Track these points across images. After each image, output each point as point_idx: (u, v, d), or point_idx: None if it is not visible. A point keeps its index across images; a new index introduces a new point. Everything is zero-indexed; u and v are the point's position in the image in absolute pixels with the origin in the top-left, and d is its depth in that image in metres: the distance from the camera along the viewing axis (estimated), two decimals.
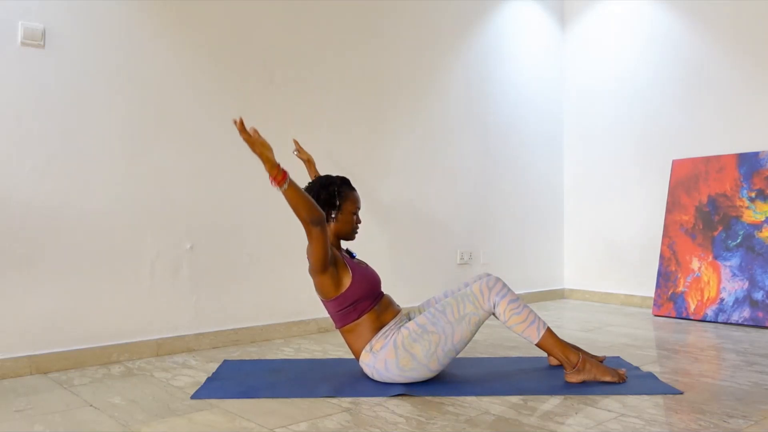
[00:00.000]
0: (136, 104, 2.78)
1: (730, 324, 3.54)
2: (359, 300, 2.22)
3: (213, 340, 2.96)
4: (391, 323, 2.25)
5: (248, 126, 1.87)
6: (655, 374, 2.37)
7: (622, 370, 2.25)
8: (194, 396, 2.11)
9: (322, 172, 3.17)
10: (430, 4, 3.95)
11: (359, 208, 2.36)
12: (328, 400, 2.06)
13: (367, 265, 2.38)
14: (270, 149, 1.99)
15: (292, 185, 1.99)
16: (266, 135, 3.22)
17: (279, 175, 1.96)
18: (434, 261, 3.94)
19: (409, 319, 2.34)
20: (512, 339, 3.09)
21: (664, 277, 3.96)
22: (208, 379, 2.33)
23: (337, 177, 2.36)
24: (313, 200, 2.07)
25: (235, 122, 1.96)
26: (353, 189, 2.36)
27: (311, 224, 2.08)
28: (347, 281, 2.21)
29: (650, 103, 4.26)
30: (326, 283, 2.20)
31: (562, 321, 3.71)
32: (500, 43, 4.38)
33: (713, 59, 3.95)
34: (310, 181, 2.37)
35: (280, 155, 3.28)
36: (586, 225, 4.64)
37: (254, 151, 1.97)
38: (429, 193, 3.92)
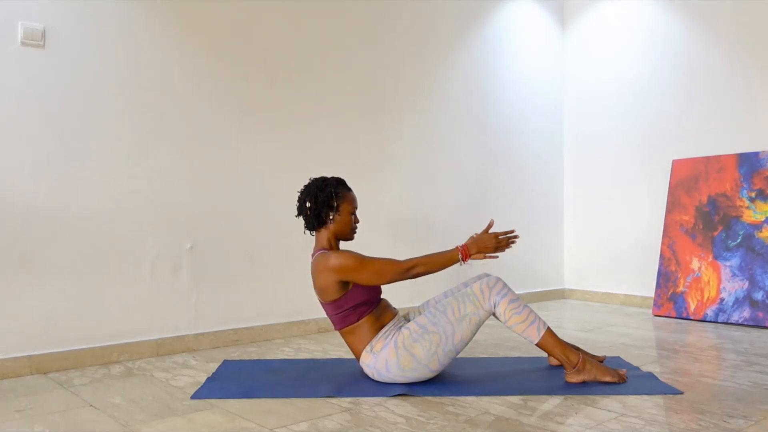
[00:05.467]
0: (136, 104, 2.78)
1: (730, 324, 3.54)
2: (359, 304, 2.21)
3: (213, 340, 2.96)
4: (390, 324, 2.25)
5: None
6: (655, 374, 2.37)
7: (622, 371, 2.25)
8: (194, 396, 2.11)
9: (322, 172, 3.17)
10: (430, 3, 3.95)
11: (356, 208, 2.36)
12: (328, 400, 2.06)
13: None
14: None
15: None
16: (266, 133, 3.24)
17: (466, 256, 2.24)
18: None
19: (408, 320, 2.34)
20: (512, 339, 3.09)
21: (664, 277, 3.96)
22: (208, 379, 2.33)
23: (333, 178, 2.34)
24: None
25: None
26: (349, 189, 2.35)
27: (413, 276, 2.22)
28: (350, 284, 2.21)
29: (650, 103, 4.26)
30: (332, 285, 2.18)
31: (562, 321, 3.71)
32: (500, 43, 4.38)
33: (713, 59, 3.95)
34: (305, 184, 2.35)
35: (279, 152, 3.29)
36: (586, 225, 4.64)
37: (487, 247, 2.25)
38: (429, 193, 3.92)
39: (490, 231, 2.29)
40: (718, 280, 3.69)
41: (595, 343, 2.98)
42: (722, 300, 3.63)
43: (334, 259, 2.17)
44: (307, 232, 2.35)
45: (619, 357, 2.67)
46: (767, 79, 3.72)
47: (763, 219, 3.61)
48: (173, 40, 2.90)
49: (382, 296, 2.35)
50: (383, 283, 2.19)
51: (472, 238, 2.27)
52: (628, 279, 4.34)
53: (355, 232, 2.37)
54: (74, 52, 2.62)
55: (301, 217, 2.34)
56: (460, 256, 2.21)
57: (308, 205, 2.27)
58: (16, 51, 2.49)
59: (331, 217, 2.28)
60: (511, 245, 2.29)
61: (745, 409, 1.93)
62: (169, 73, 2.89)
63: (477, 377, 2.33)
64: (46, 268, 2.53)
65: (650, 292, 4.16)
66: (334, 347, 2.96)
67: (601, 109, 4.56)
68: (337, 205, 2.28)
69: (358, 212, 2.43)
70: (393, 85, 3.74)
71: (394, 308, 2.35)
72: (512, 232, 2.31)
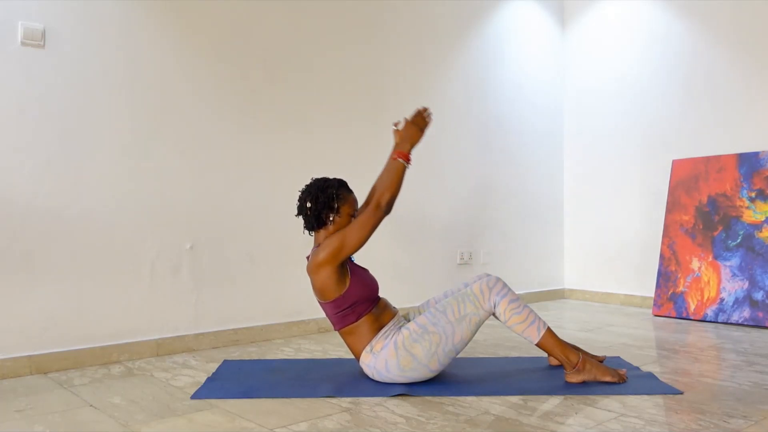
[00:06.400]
0: (136, 104, 2.78)
1: (730, 324, 3.54)
2: (357, 303, 2.21)
3: (213, 340, 2.96)
4: (390, 324, 2.25)
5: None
6: (655, 374, 2.37)
7: (622, 370, 2.26)
8: (194, 396, 2.11)
9: (322, 172, 3.17)
10: (430, 3, 3.95)
11: (357, 210, 2.35)
12: (328, 400, 2.07)
13: (366, 269, 2.37)
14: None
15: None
16: (266, 133, 3.24)
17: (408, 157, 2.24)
18: (434, 261, 3.94)
19: (408, 320, 2.34)
20: (512, 339, 3.09)
21: (664, 277, 3.96)
22: (208, 379, 2.33)
23: (335, 179, 2.34)
24: None
25: (426, 110, 2.30)
26: (351, 191, 2.34)
27: (386, 207, 2.19)
28: (347, 282, 2.21)
29: (650, 103, 4.26)
30: (331, 280, 2.18)
31: (562, 321, 3.71)
32: (500, 43, 4.38)
33: (713, 59, 3.95)
34: (306, 184, 2.35)
35: (279, 152, 3.29)
36: (586, 225, 4.64)
37: (415, 135, 2.26)
38: (429, 193, 3.92)
39: (405, 123, 2.30)
40: (718, 280, 3.69)
41: (595, 343, 2.98)
42: (722, 300, 3.63)
43: (322, 252, 2.18)
44: (306, 231, 2.35)
45: (619, 357, 2.67)
46: (767, 79, 3.72)
47: (763, 219, 3.61)
48: (173, 40, 2.90)
49: (381, 295, 2.35)
50: (371, 230, 2.18)
51: (400, 140, 2.29)
52: (628, 279, 4.34)
53: None
54: (74, 52, 2.62)
55: (300, 217, 2.34)
56: (401, 161, 2.22)
57: (309, 205, 2.27)
58: (16, 51, 2.49)
59: (331, 219, 2.27)
60: (429, 116, 2.31)
61: (745, 409, 1.93)
62: (169, 73, 2.89)
63: (477, 377, 2.33)
64: (46, 268, 2.53)
65: (650, 292, 4.16)
66: (334, 347, 2.96)
67: (601, 109, 4.56)
68: (338, 207, 2.28)
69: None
70: (393, 85, 3.74)
71: (394, 308, 2.35)
72: (418, 109, 2.31)
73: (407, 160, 2.23)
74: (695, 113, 4.03)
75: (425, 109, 2.31)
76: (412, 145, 2.26)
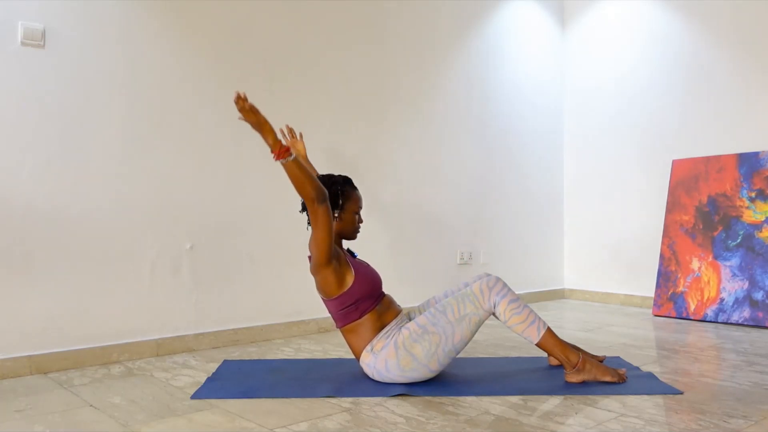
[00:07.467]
0: (136, 104, 2.78)
1: (730, 324, 3.54)
2: (361, 299, 2.21)
3: (213, 340, 2.96)
4: (392, 323, 2.25)
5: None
6: (655, 374, 2.37)
7: (622, 370, 2.25)
8: (194, 396, 2.11)
9: (322, 171, 3.17)
10: (430, 3, 3.95)
11: (361, 208, 2.36)
12: (328, 400, 2.07)
13: (368, 264, 2.38)
14: (270, 126, 2.07)
15: (296, 161, 2.03)
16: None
17: (282, 149, 2.02)
18: (434, 261, 3.94)
19: (410, 320, 2.34)
20: (512, 339, 3.09)
21: (664, 277, 3.96)
22: (208, 379, 2.33)
23: (339, 176, 2.35)
24: (315, 178, 2.09)
25: (239, 96, 2.05)
26: (355, 188, 2.36)
27: (316, 201, 2.07)
28: (350, 280, 2.21)
29: (650, 103, 4.26)
30: (329, 280, 2.19)
31: (562, 321, 3.71)
32: (500, 43, 4.38)
33: (713, 59, 3.95)
34: None
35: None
36: (586, 225, 4.64)
37: (256, 127, 2.07)
38: (429, 193, 3.92)
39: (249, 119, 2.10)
40: (718, 280, 3.69)
41: (595, 343, 2.98)
42: (722, 300, 3.63)
43: (312, 259, 2.20)
44: (310, 228, 2.36)
45: (619, 357, 2.67)
46: (767, 79, 3.72)
47: (763, 219, 3.61)
48: (173, 40, 2.90)
49: (386, 292, 2.35)
50: (325, 225, 2.08)
51: (266, 133, 2.07)
52: (628, 279, 4.34)
53: (358, 232, 2.37)
54: (74, 52, 2.62)
55: (304, 213, 2.34)
56: (282, 160, 2.02)
57: None
58: (16, 51, 2.48)
59: (335, 215, 2.28)
60: (241, 100, 2.07)
61: (745, 409, 1.93)
62: (169, 72, 2.89)
63: (477, 377, 2.33)
64: (46, 268, 2.53)
65: (650, 292, 4.16)
66: (334, 347, 2.96)
67: (601, 109, 4.56)
68: (342, 204, 2.28)
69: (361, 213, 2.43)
70: (393, 85, 3.74)
71: (398, 306, 2.35)
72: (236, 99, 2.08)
73: (282, 152, 2.01)
74: (695, 113, 4.04)
75: (238, 99, 2.07)
76: (269, 133, 2.04)
